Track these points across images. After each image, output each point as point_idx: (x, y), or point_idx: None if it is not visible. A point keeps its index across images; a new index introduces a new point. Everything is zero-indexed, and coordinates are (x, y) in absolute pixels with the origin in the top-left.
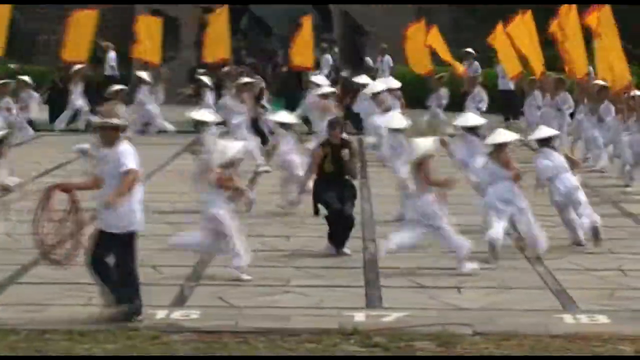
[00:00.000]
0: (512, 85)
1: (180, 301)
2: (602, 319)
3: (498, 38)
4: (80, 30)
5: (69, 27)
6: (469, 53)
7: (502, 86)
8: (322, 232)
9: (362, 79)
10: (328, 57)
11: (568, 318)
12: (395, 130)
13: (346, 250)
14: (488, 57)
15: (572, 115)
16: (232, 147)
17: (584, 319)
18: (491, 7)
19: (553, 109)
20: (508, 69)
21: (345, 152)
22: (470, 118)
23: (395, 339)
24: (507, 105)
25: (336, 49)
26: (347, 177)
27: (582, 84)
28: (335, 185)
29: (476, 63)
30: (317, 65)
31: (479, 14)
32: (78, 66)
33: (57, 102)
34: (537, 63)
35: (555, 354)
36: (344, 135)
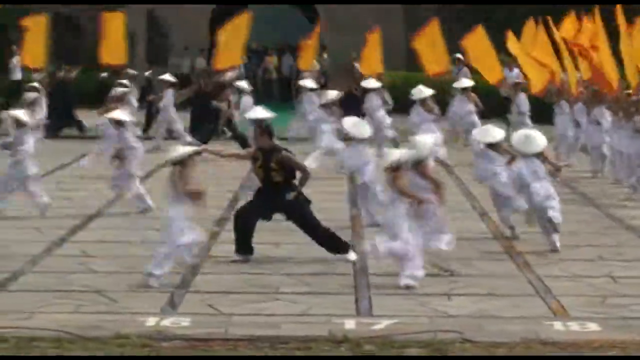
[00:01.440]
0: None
1: (170, 308)
2: (593, 326)
3: (513, 47)
4: (235, 35)
5: (223, 34)
6: (459, 59)
7: None
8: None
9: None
10: (314, 62)
11: (558, 325)
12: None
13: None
14: None
15: None
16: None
17: (574, 326)
18: (477, 14)
19: (592, 124)
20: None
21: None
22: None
23: (386, 346)
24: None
25: (325, 55)
26: (281, 185)
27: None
28: (264, 193)
29: (465, 68)
30: None
31: (467, 21)
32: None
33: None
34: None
35: None
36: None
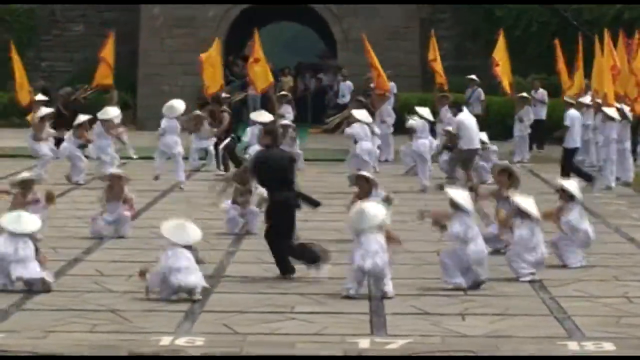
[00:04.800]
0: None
1: (185, 328)
2: (608, 346)
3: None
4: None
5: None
6: (473, 80)
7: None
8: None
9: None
10: (350, 83)
11: (573, 345)
12: None
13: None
14: (492, 84)
15: None
16: None
17: (589, 346)
18: (495, 33)
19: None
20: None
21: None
22: None
23: None
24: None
25: (340, 75)
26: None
27: None
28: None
29: (479, 90)
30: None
31: (482, 40)
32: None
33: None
34: None
35: None
36: None
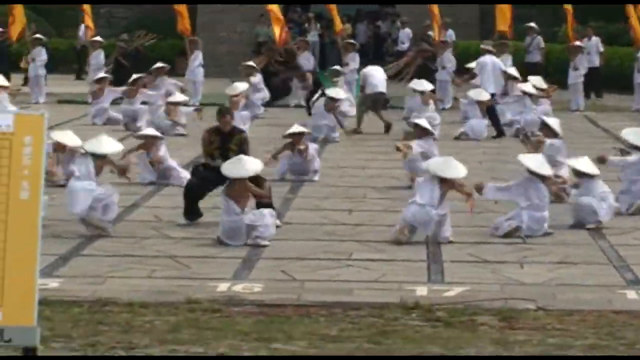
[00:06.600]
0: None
1: (242, 274)
2: None
3: None
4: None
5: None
6: (532, 28)
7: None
8: (385, 206)
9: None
10: (408, 31)
11: (631, 294)
12: None
13: None
14: (552, 32)
15: None
16: None
17: None
18: None
19: None
20: None
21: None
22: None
23: (458, 313)
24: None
25: (398, 23)
26: None
27: None
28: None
29: (539, 37)
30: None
31: None
32: None
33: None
34: None
35: (619, 329)
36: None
